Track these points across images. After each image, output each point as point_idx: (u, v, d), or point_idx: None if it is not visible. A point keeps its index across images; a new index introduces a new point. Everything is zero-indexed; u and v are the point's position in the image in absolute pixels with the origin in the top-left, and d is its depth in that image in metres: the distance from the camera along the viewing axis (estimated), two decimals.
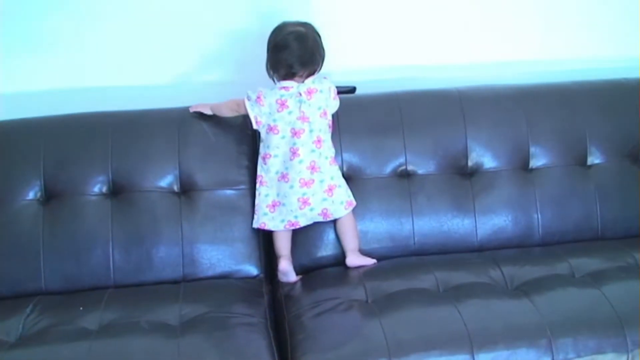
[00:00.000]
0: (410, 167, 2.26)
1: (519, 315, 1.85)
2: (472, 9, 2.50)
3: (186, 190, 2.20)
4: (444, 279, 2.03)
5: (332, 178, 2.14)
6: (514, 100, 2.34)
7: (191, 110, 2.24)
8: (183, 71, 2.43)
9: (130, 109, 2.27)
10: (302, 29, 2.10)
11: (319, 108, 2.11)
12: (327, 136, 2.15)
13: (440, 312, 1.88)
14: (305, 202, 2.10)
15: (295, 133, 2.09)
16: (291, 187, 2.09)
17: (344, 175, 2.22)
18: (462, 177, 2.28)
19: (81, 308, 1.95)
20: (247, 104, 2.10)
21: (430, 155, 2.27)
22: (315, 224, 2.17)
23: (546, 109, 2.33)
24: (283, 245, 2.16)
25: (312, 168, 2.11)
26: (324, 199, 2.13)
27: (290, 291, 2.10)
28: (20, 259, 2.10)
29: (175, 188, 2.20)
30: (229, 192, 2.20)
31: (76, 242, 2.12)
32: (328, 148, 2.15)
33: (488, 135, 2.29)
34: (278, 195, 2.12)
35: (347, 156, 2.25)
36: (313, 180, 2.11)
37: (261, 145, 2.15)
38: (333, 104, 2.17)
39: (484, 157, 2.28)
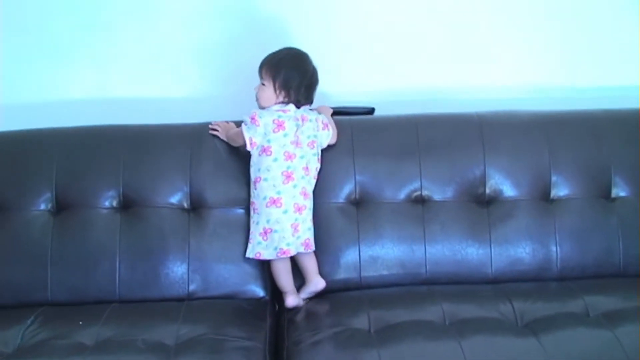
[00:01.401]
0: (425, 193, 2.20)
1: (523, 356, 1.78)
2: (495, 30, 2.45)
3: (196, 207, 2.18)
4: (451, 311, 1.96)
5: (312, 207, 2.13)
6: (536, 126, 2.26)
7: (211, 126, 2.22)
8: (200, 85, 2.44)
9: (145, 122, 2.27)
10: None
11: (309, 137, 2.10)
12: (313, 166, 2.12)
13: (441, 346, 1.82)
14: (295, 229, 2.07)
15: (289, 156, 2.06)
16: (285, 212, 2.05)
17: (355, 198, 2.18)
18: (479, 205, 2.20)
19: (80, 322, 1.94)
20: (243, 128, 2.08)
21: (447, 181, 2.21)
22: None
23: (570, 137, 2.25)
24: (286, 281, 2.11)
25: (304, 194, 2.08)
26: (309, 228, 2.10)
27: (294, 315, 2.06)
28: (27, 268, 2.11)
29: (185, 205, 2.18)
30: (238, 210, 2.18)
31: (84, 254, 2.12)
32: (313, 178, 2.13)
33: (508, 163, 2.22)
34: (268, 222, 2.06)
35: (360, 178, 2.20)
36: (305, 207, 2.08)
37: (252, 169, 2.11)
38: (323, 134, 2.14)
39: (502, 185, 2.21)
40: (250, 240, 2.09)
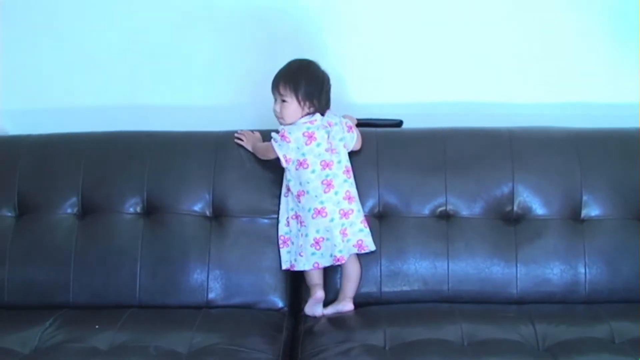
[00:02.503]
0: (450, 208, 2.16)
1: None
2: (528, 45, 2.40)
3: (218, 215, 2.17)
4: (470, 331, 1.91)
5: (361, 209, 2.10)
6: (568, 143, 2.20)
7: (236, 135, 2.21)
8: (226, 92, 2.45)
9: (171, 129, 2.28)
10: None
11: (341, 139, 2.10)
12: (351, 166, 2.11)
13: None
14: (344, 234, 2.05)
15: (326, 165, 2.04)
16: (331, 220, 2.04)
17: (379, 212, 2.16)
18: (506, 222, 2.15)
19: (97, 326, 1.95)
20: (275, 145, 2.06)
21: (473, 197, 2.16)
22: None
23: (602, 156, 2.19)
24: (316, 275, 2.10)
25: (349, 198, 2.07)
26: (361, 230, 2.08)
27: (311, 328, 2.03)
28: (51, 270, 2.13)
29: (207, 212, 2.18)
30: (260, 220, 2.17)
31: (106, 258, 2.14)
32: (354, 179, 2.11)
33: (538, 180, 2.16)
34: (318, 232, 2.04)
35: (384, 192, 2.17)
36: (352, 210, 2.06)
37: (291, 183, 2.09)
38: (348, 136, 2.12)
39: (531, 203, 2.15)
40: (301, 254, 2.05)
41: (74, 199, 2.19)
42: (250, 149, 2.18)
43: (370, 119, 2.33)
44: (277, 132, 2.08)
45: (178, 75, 2.43)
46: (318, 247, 2.04)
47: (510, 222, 2.15)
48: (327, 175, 2.04)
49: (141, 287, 2.11)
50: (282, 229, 2.12)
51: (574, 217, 2.15)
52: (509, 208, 2.15)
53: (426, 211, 2.16)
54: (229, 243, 2.14)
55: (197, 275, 2.11)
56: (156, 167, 2.20)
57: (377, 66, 2.41)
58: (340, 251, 2.04)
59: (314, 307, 2.08)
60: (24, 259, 2.14)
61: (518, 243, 2.12)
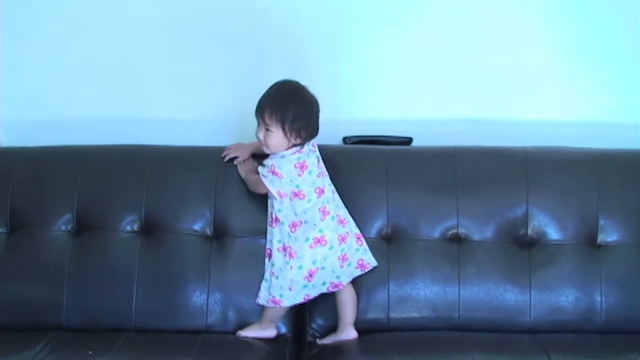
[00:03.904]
0: (461, 231, 2.08)
1: None
2: (543, 62, 2.33)
3: (219, 235, 2.09)
4: None
5: (356, 226, 2.02)
6: (584, 164, 2.14)
7: (227, 154, 2.11)
8: (228, 106, 2.36)
9: (170, 143, 2.20)
10: None
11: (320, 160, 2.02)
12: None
13: None
14: (344, 259, 1.97)
15: (320, 192, 1.96)
16: (331, 247, 1.95)
17: (387, 233, 2.08)
18: (520, 247, 2.08)
19: (90, 352, 1.86)
20: (265, 181, 1.94)
21: (486, 219, 2.09)
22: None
23: (620, 178, 2.12)
24: (282, 312, 2.01)
25: (341, 222, 1.99)
26: (357, 250, 2.01)
27: (316, 355, 1.95)
28: (44, 289, 2.05)
29: (208, 232, 2.09)
30: (263, 241, 2.07)
31: (101, 278, 2.05)
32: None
33: (553, 203, 2.09)
34: (314, 262, 1.94)
35: (393, 212, 2.09)
36: (348, 233, 1.99)
37: (281, 214, 1.96)
38: None
39: (546, 227, 2.08)
40: (291, 288, 1.95)
41: (68, 215, 2.10)
42: (242, 175, 2.07)
43: (379, 136, 2.28)
44: (262, 165, 1.96)
45: (178, 88, 2.35)
46: (310, 279, 1.95)
47: (523, 246, 2.08)
48: (322, 202, 1.95)
49: (137, 310, 2.02)
50: (270, 265, 2.01)
51: (589, 242, 2.08)
52: (522, 231, 2.08)
53: (436, 233, 2.09)
54: (230, 264, 2.05)
55: (197, 298, 2.03)
56: (155, 183, 2.11)
57: (385, 81, 2.33)
58: (338, 277, 1.97)
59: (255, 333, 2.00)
60: (15, 277, 2.06)
61: (532, 269, 2.05)
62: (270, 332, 2.00)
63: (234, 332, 2.02)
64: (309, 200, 1.94)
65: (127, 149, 2.19)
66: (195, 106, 2.35)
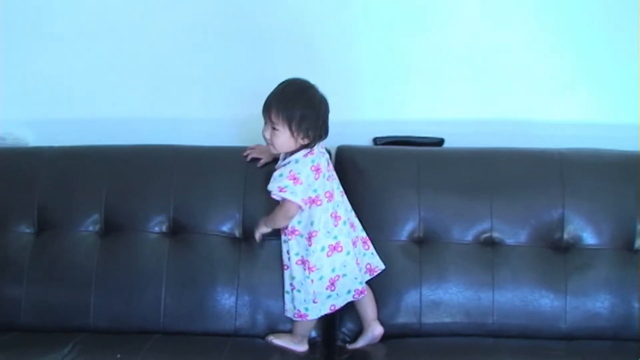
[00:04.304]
0: (495, 235, 2.04)
1: None
2: (578, 62, 2.28)
3: (248, 236, 2.05)
4: None
5: (362, 230, 1.97)
6: (622, 168, 2.09)
7: (249, 155, 2.07)
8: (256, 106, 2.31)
9: (198, 143, 2.17)
10: None
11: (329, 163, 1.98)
12: None
13: None
14: (358, 264, 1.93)
15: (330, 196, 1.90)
16: (347, 253, 1.90)
17: (419, 237, 2.04)
18: (555, 251, 2.03)
19: (119, 355, 1.83)
20: (287, 195, 1.84)
21: (520, 223, 2.04)
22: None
23: None
24: (311, 325, 1.97)
25: (352, 225, 1.95)
26: (364, 254, 1.97)
27: None
28: (71, 291, 2.03)
29: (237, 233, 2.06)
30: None
31: (129, 280, 2.03)
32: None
33: (590, 207, 2.05)
34: (334, 270, 1.89)
35: (425, 215, 2.05)
36: (357, 237, 1.96)
37: (300, 225, 1.89)
38: None
39: (582, 232, 2.04)
40: (315, 300, 1.89)
41: (96, 216, 2.08)
42: (264, 230, 1.95)
43: (410, 137, 2.24)
44: (273, 181, 1.88)
45: (207, 88, 2.33)
46: (333, 288, 1.90)
47: (559, 250, 2.04)
48: (333, 207, 1.90)
49: (165, 312, 2.00)
50: (288, 278, 1.95)
51: (627, 247, 2.03)
52: (558, 235, 2.04)
53: (469, 237, 2.05)
54: (259, 266, 2.02)
55: (225, 301, 2.00)
56: (183, 184, 2.08)
57: (416, 81, 2.29)
58: (361, 283, 1.92)
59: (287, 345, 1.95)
60: (42, 278, 2.04)
61: (568, 274, 2.01)
62: (302, 347, 1.95)
63: (263, 336, 1.98)
64: (322, 206, 1.88)
65: (156, 148, 2.16)
66: (225, 106, 2.32)
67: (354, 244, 1.92)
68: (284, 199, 1.86)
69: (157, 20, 2.29)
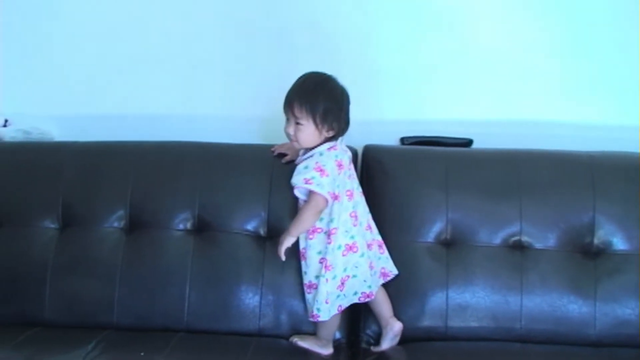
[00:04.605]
0: (524, 239, 2.01)
1: None
2: (608, 64, 2.24)
3: (273, 235, 2.03)
4: None
5: (378, 233, 1.94)
6: None
7: (276, 150, 2.06)
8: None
9: (223, 140, 2.16)
10: None
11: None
12: None
13: None
14: (371, 267, 1.90)
15: (350, 195, 1.87)
16: (362, 255, 1.87)
17: (446, 239, 2.02)
18: (585, 256, 2.00)
19: (142, 354, 1.82)
20: (313, 188, 1.80)
21: (550, 227, 2.01)
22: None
23: None
24: (334, 325, 1.94)
25: (369, 227, 1.93)
26: (379, 258, 1.94)
27: None
28: (96, 287, 2.02)
29: (262, 232, 2.05)
30: None
31: (153, 277, 2.02)
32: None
33: (621, 212, 2.01)
34: (345, 270, 1.86)
35: (453, 216, 2.02)
36: (373, 240, 1.93)
37: (322, 222, 1.85)
38: None
39: (613, 237, 2.00)
40: (327, 301, 1.85)
41: (121, 212, 2.07)
42: (290, 241, 1.86)
43: (438, 137, 2.22)
44: (298, 175, 1.85)
45: (232, 85, 2.31)
46: (342, 288, 1.87)
47: (589, 255, 2.00)
48: (353, 206, 1.87)
49: (189, 310, 1.99)
50: (307, 276, 1.90)
51: None
52: (588, 240, 2.00)
53: (498, 240, 2.02)
54: (284, 266, 1.98)
55: (249, 300, 1.99)
56: (208, 181, 2.07)
57: (444, 80, 2.26)
58: (370, 286, 1.89)
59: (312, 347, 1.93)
60: (66, 274, 2.03)
61: (598, 279, 1.97)
62: (327, 350, 1.92)
63: (286, 337, 1.97)
64: (342, 204, 1.85)
65: (181, 145, 2.15)
66: (249, 103, 2.30)
67: (369, 246, 1.90)
68: (310, 192, 1.83)
69: (183, 17, 2.28)
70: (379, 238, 1.95)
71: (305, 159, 1.86)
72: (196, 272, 2.00)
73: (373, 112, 2.22)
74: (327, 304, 1.85)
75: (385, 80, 2.26)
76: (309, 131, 1.82)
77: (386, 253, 1.95)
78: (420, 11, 2.23)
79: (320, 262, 1.86)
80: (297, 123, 1.82)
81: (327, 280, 1.84)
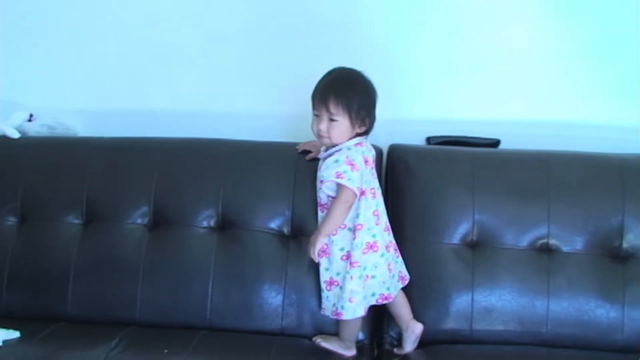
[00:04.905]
0: (552, 241, 1.98)
1: None
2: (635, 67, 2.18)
3: (297, 234, 2.02)
4: None
5: (392, 235, 1.92)
6: None
7: (300, 147, 2.05)
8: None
9: (247, 138, 2.14)
10: None
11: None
12: None
13: None
14: (389, 269, 1.88)
15: (373, 193, 1.86)
16: (382, 255, 1.85)
17: (472, 240, 1.98)
18: (613, 260, 1.97)
19: (166, 351, 1.82)
20: (345, 182, 1.77)
21: (578, 230, 1.98)
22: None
23: None
24: (357, 326, 1.92)
25: (387, 229, 1.91)
26: (396, 261, 1.92)
27: None
28: (119, 283, 2.02)
29: (286, 230, 2.03)
30: None
31: (176, 274, 2.01)
32: None
33: None
34: (365, 269, 1.84)
35: (480, 218, 2.00)
36: (391, 242, 1.91)
37: (348, 218, 1.83)
38: None
39: None
40: (352, 299, 1.83)
41: (145, 209, 2.07)
42: (322, 241, 1.83)
43: (465, 137, 2.19)
44: (327, 169, 1.81)
45: (258, 83, 2.29)
46: (363, 287, 1.84)
47: (617, 259, 1.97)
48: (377, 205, 1.86)
49: (212, 308, 1.98)
50: (329, 272, 1.87)
51: None
52: (617, 244, 1.97)
53: (525, 242, 1.99)
54: (307, 265, 1.97)
55: (272, 299, 1.98)
56: (232, 178, 2.05)
57: (472, 79, 2.22)
58: (388, 288, 1.86)
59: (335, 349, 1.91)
60: (89, 269, 2.03)
61: (626, 284, 1.94)
62: (350, 352, 1.90)
63: (309, 337, 1.95)
64: (366, 200, 1.83)
65: (206, 142, 2.13)
66: (274, 101, 2.28)
67: (387, 248, 1.88)
68: (339, 187, 1.80)
69: (208, 14, 2.27)
70: (394, 241, 1.93)
71: (332, 153, 1.84)
72: (219, 270, 1.99)
73: (399, 111, 2.20)
74: (352, 303, 1.83)
75: (412, 79, 2.23)
76: (343, 127, 1.80)
77: (400, 257, 1.93)
78: (449, 10, 2.20)
79: (343, 259, 1.83)
80: (332, 119, 1.80)
81: (351, 277, 1.82)
